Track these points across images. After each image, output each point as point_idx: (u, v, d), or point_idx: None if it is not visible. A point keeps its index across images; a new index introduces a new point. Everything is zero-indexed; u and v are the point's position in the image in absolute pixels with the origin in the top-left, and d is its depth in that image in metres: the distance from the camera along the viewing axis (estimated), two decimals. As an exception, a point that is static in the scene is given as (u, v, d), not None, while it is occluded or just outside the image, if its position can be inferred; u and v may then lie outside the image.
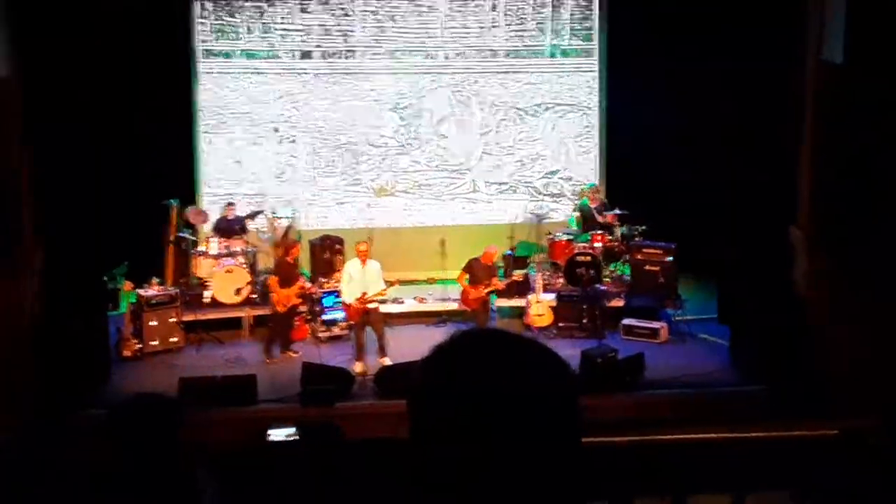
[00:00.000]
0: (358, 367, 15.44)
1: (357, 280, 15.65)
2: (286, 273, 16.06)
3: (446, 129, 19.40)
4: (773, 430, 9.03)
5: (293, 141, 19.11)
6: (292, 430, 11.28)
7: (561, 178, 19.59)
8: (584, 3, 19.17)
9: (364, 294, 15.56)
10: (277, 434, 11.60)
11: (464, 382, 2.11)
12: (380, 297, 15.83)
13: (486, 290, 15.76)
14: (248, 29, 18.75)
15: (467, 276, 16.09)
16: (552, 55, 19.31)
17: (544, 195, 19.46)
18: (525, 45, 19.25)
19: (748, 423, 11.03)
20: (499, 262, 17.08)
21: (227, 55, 18.82)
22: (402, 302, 17.57)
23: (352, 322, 16.02)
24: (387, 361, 15.49)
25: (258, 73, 18.91)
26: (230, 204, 18.23)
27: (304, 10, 18.83)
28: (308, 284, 16.37)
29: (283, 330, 16.22)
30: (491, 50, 19.24)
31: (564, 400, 2.17)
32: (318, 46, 18.97)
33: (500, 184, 19.53)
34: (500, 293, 16.81)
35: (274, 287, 16.05)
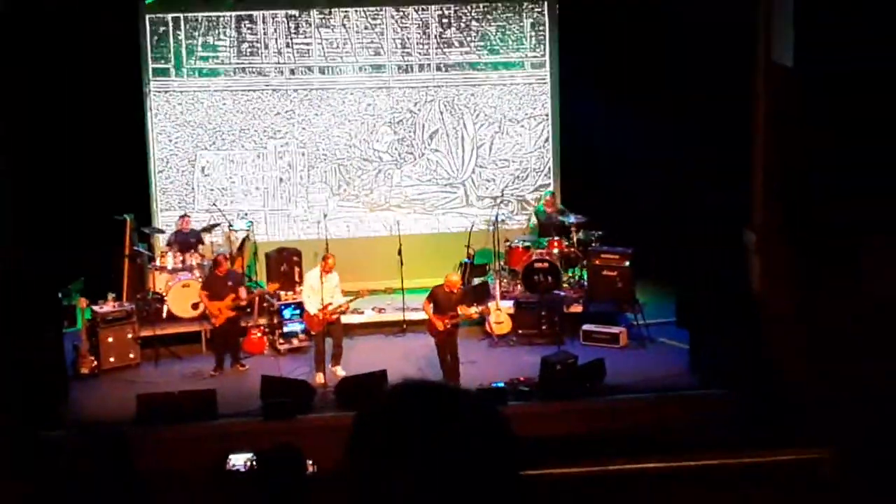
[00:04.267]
0: (319, 379, 15.38)
1: (317, 290, 15.60)
2: (216, 287, 16.01)
3: (437, 142, 19.39)
4: (726, 458, 9.07)
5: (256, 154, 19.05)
6: (250, 455, 11.15)
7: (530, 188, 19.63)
8: (537, 13, 19.22)
9: (327, 305, 15.52)
10: (237, 461, 11.48)
11: (399, 443, 2.12)
12: (344, 309, 15.80)
13: (450, 323, 15.34)
14: (236, 45, 18.73)
15: (431, 304, 15.35)
16: (507, 67, 19.35)
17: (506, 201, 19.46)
18: (472, 59, 19.30)
19: (701, 448, 11.08)
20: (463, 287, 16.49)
21: (213, 73, 18.76)
22: (362, 312, 17.51)
23: (313, 332, 15.95)
24: (340, 371, 15.52)
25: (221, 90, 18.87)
26: (184, 216, 18.10)
27: (296, 28, 18.78)
28: (244, 295, 16.13)
29: (225, 342, 16.12)
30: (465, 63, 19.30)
31: (502, 455, 2.18)
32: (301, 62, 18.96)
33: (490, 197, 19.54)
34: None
35: (203, 300, 16.09)
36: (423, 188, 19.48)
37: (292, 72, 19.01)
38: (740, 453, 9.31)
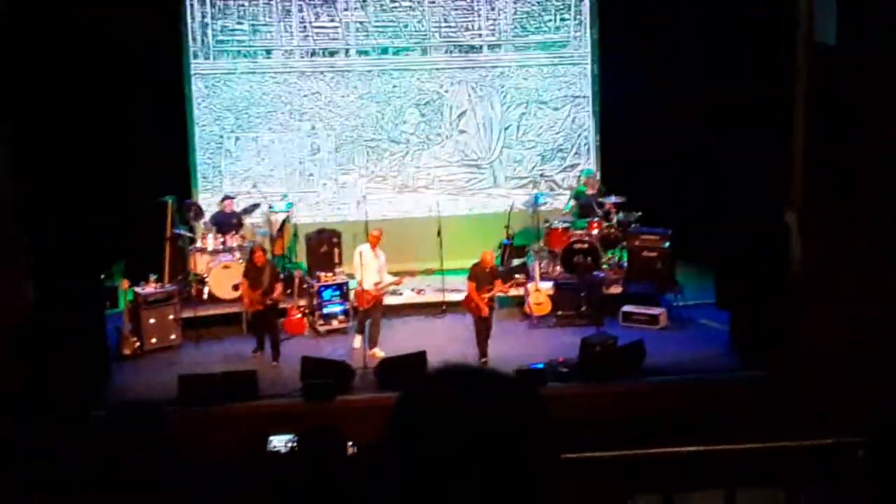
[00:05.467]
0: (356, 342, 15.76)
1: (369, 266, 15.72)
2: (252, 276, 15.88)
3: (465, 123, 19.39)
4: (765, 441, 9.02)
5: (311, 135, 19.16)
6: (291, 437, 11.18)
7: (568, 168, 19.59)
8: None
9: (378, 283, 15.72)
10: (277, 442, 11.52)
11: (438, 427, 2.15)
12: (394, 287, 16.21)
13: (487, 296, 15.45)
14: (264, 27, 18.78)
15: (473, 284, 15.45)
16: (545, 48, 19.30)
17: (563, 188, 19.42)
18: (502, 39, 19.25)
19: (741, 431, 11.04)
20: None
21: (251, 54, 18.86)
22: (401, 294, 17.55)
23: (360, 308, 16.05)
24: (378, 352, 15.58)
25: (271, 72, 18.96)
26: (227, 198, 18.18)
27: (323, 9, 18.84)
28: (276, 293, 15.84)
29: (262, 330, 16.01)
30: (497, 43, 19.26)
31: (539, 438, 2.20)
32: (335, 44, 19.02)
33: (521, 178, 19.52)
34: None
35: (243, 289, 16.03)
36: (451, 169, 19.47)
37: (319, 53, 19.03)
38: (777, 438, 9.27)
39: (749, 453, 8.08)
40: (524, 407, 2.23)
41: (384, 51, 19.11)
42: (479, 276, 15.44)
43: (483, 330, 15.44)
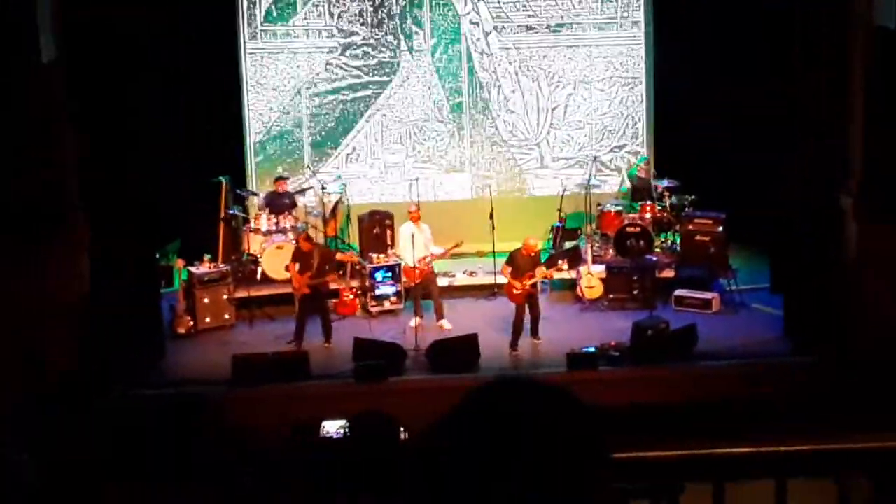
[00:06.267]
0: (414, 322, 15.81)
1: (416, 241, 15.87)
2: (301, 260, 15.84)
3: (513, 104, 19.32)
4: (818, 428, 8.92)
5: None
6: (344, 422, 11.21)
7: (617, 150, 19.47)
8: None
9: (424, 258, 15.93)
10: (330, 427, 11.55)
11: (494, 436, 2.18)
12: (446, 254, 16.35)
13: (528, 283, 15.38)
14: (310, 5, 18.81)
15: (510, 269, 15.43)
16: (601, 27, 19.16)
17: (611, 169, 19.32)
18: (576, 18, 19.11)
19: (793, 417, 10.93)
20: (542, 250, 16.54)
21: (301, 34, 18.87)
22: (453, 275, 17.58)
23: (412, 284, 16.20)
24: (446, 324, 15.81)
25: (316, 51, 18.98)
26: (280, 178, 18.25)
27: None
28: (328, 278, 16.04)
29: (307, 314, 15.90)
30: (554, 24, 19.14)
31: (591, 455, 2.24)
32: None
33: (568, 158, 19.42)
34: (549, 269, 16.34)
35: (291, 271, 15.96)
36: (499, 150, 19.39)
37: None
38: (830, 425, 9.18)
39: (802, 445, 8.00)
40: (574, 416, 2.27)
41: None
42: (518, 262, 15.40)
43: (521, 319, 15.38)
